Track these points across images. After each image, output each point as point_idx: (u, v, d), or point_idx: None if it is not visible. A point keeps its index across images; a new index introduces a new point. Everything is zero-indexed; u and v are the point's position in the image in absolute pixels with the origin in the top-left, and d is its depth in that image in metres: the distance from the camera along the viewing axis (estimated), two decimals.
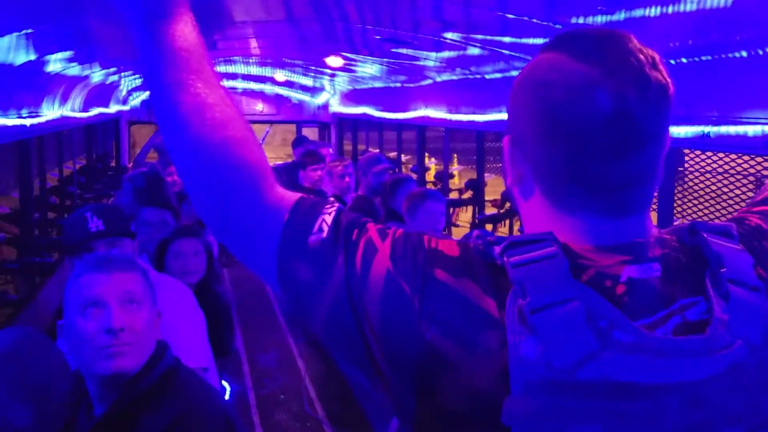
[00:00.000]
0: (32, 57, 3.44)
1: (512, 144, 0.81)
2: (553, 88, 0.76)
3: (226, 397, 2.80)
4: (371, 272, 0.75)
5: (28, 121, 3.94)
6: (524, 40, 3.25)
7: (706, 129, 2.50)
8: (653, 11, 2.31)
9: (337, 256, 0.77)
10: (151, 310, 1.53)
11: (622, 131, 0.74)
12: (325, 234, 0.78)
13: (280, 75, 8.01)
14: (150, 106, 9.60)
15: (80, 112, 5.74)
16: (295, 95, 9.74)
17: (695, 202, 3.39)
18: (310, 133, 10.03)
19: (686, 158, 3.43)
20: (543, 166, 0.78)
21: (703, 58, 2.36)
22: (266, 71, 7.74)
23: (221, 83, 0.86)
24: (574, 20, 2.68)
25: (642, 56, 0.75)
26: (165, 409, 1.46)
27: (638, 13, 2.38)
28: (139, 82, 8.39)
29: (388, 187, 3.90)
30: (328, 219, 0.79)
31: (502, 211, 5.38)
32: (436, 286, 0.74)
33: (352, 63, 5.59)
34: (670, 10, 2.21)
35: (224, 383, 2.78)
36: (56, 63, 4.06)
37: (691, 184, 3.45)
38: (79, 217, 2.07)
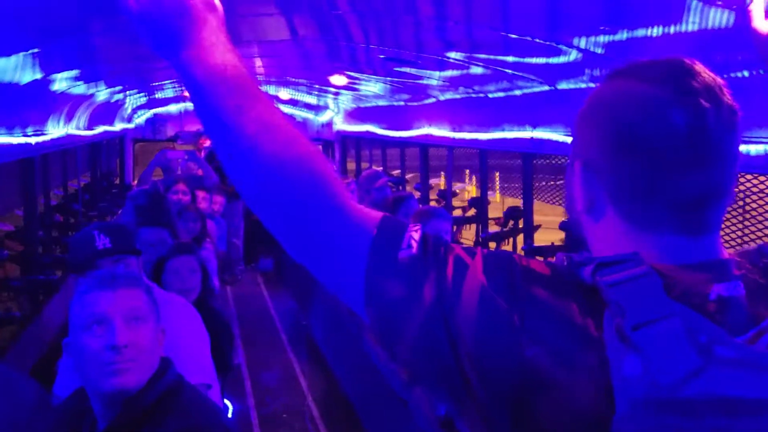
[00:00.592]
0: (38, 76, 3.47)
1: (584, 167, 0.82)
2: (628, 108, 0.78)
3: (229, 415, 2.79)
4: (464, 288, 0.74)
5: (33, 139, 3.96)
6: (527, 60, 3.27)
7: None
8: (655, 31, 2.32)
9: (429, 272, 0.75)
10: (155, 327, 1.54)
11: (700, 146, 0.75)
12: (414, 250, 0.77)
13: (285, 93, 8.05)
14: (155, 124, 9.67)
15: (85, 130, 5.77)
16: (300, 113, 9.78)
17: None
18: None
19: None
20: (620, 186, 0.79)
21: None
22: (271, 89, 7.79)
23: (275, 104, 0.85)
24: (576, 40, 2.70)
25: (710, 77, 0.77)
26: (167, 426, 1.46)
27: (640, 32, 2.40)
28: (144, 100, 8.45)
29: (389, 205, 3.91)
30: (416, 236, 0.78)
31: (505, 229, 5.37)
32: (537, 304, 0.73)
33: (356, 82, 5.63)
34: (672, 29, 2.22)
35: (227, 402, 2.77)
36: (62, 82, 4.09)
37: None
38: (86, 235, 2.10)
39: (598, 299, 0.72)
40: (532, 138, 3.90)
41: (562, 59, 3.03)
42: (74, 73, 4.04)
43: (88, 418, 1.52)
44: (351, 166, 9.83)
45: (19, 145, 3.72)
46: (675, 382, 0.67)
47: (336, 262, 0.80)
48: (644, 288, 0.71)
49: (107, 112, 6.74)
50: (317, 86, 6.96)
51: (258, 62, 5.26)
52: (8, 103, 3.47)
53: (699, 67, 0.78)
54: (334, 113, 9.44)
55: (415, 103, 5.92)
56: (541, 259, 0.81)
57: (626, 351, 0.69)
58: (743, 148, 2.49)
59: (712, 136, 0.76)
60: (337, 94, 7.32)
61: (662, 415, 0.67)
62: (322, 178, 0.80)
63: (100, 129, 6.58)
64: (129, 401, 1.45)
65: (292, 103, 8.99)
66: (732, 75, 2.25)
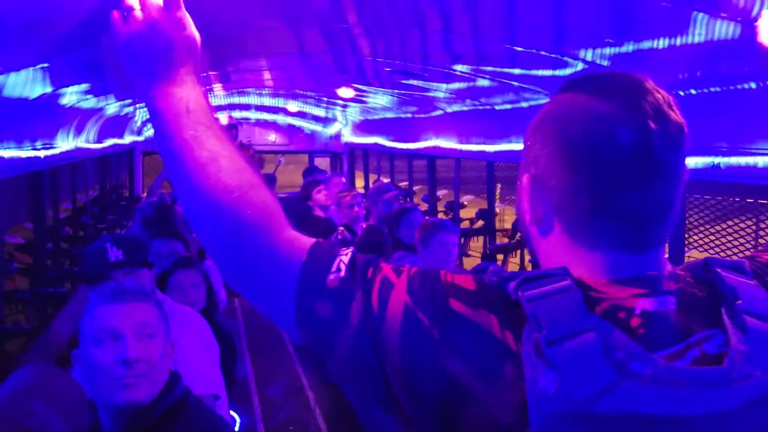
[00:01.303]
0: (47, 90, 3.50)
1: (532, 182, 0.82)
2: (575, 125, 0.79)
3: (236, 429, 2.79)
4: (389, 306, 0.76)
5: (42, 153, 3.99)
6: (533, 72, 3.28)
7: (716, 160, 2.50)
8: (661, 43, 2.32)
9: (355, 293, 0.78)
10: (165, 340, 1.56)
11: (645, 162, 0.76)
12: (343, 273, 0.79)
13: (293, 106, 8.09)
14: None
15: (94, 143, 5.81)
16: (308, 125, 9.82)
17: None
18: (323, 162, 10.10)
19: None
20: (565, 201, 0.80)
21: (712, 89, 2.36)
22: (279, 102, 7.82)
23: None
24: (582, 53, 2.70)
25: (659, 95, 0.78)
26: None
27: (646, 45, 2.40)
28: None
29: (393, 217, 3.91)
30: (345, 259, 0.81)
31: (513, 241, 5.36)
32: (455, 318, 0.75)
33: (364, 94, 5.65)
34: (678, 41, 2.22)
35: (234, 414, 2.77)
36: (71, 96, 4.12)
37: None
38: (99, 247, 2.12)
39: (519, 314, 0.73)
40: None
41: (567, 71, 3.03)
42: (84, 87, 4.08)
43: (96, 429, 1.53)
44: (359, 177, 9.85)
45: (29, 158, 3.75)
46: (589, 397, 0.67)
47: (268, 289, 0.83)
48: (563, 303, 0.72)
49: (117, 125, 6.78)
50: (325, 99, 6.99)
51: (267, 75, 5.29)
52: (18, 118, 3.50)
53: (649, 84, 0.79)
54: (342, 125, 9.47)
55: (422, 115, 5.93)
56: (471, 275, 0.82)
57: (542, 366, 0.69)
58: (750, 160, 2.47)
59: (658, 154, 0.76)
60: (345, 106, 7.35)
61: (574, 429, 0.67)
62: (261, 208, 0.84)
63: (109, 142, 6.62)
64: (138, 414, 1.46)
65: (301, 115, 9.03)
66: (738, 87, 2.25)
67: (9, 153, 3.36)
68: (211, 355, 2.26)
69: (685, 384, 0.69)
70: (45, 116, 4.03)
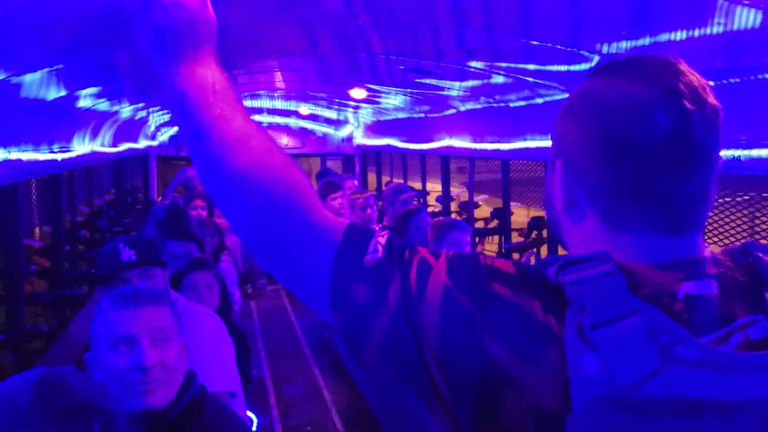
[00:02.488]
0: (63, 93, 3.52)
1: (565, 167, 0.81)
2: (612, 110, 0.77)
3: (254, 428, 2.79)
4: (428, 288, 0.75)
5: (59, 156, 4.02)
6: (548, 67, 3.26)
7: (737, 152, 2.47)
8: (679, 35, 2.30)
9: (393, 274, 0.76)
10: (179, 342, 1.54)
11: (683, 147, 0.75)
12: (380, 254, 0.78)
13: (305, 108, 8.10)
14: (179, 141, 9.78)
15: (110, 147, 5.85)
16: (320, 128, 9.84)
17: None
18: (334, 165, 10.12)
19: None
20: (601, 187, 0.78)
21: (732, 80, 2.33)
22: (291, 105, 7.84)
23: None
24: (598, 46, 2.68)
25: (694, 78, 0.78)
26: None
27: (663, 37, 2.38)
28: (167, 117, 8.54)
29: (401, 219, 3.91)
30: (382, 240, 0.80)
31: (529, 239, 5.33)
32: (498, 301, 0.73)
33: (376, 94, 5.65)
34: (696, 33, 2.20)
35: (251, 414, 2.76)
36: (86, 99, 4.15)
37: None
38: (112, 248, 2.13)
39: (561, 297, 0.72)
40: None
41: (583, 66, 3.01)
42: (98, 89, 4.10)
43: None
44: (372, 179, 9.85)
45: (46, 161, 3.77)
46: (634, 381, 0.67)
47: (302, 268, 0.81)
48: (606, 286, 0.71)
49: (131, 129, 6.83)
50: (337, 100, 7.00)
51: (278, 77, 5.30)
52: (35, 120, 3.53)
53: (684, 66, 0.78)
54: (354, 127, 9.48)
55: (435, 115, 5.92)
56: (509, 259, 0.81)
57: (585, 349, 0.68)
58: None
59: (696, 137, 0.76)
60: (357, 108, 7.35)
61: (618, 413, 0.66)
62: (293, 186, 0.83)
63: (124, 146, 6.67)
64: (155, 418, 1.45)
65: (312, 118, 9.05)
66: (759, 77, 2.22)
67: (27, 156, 3.38)
68: (226, 353, 2.25)
69: (731, 368, 0.68)
70: (61, 119, 4.06)
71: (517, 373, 0.70)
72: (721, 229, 3.13)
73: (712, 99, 0.78)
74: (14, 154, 3.10)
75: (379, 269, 0.77)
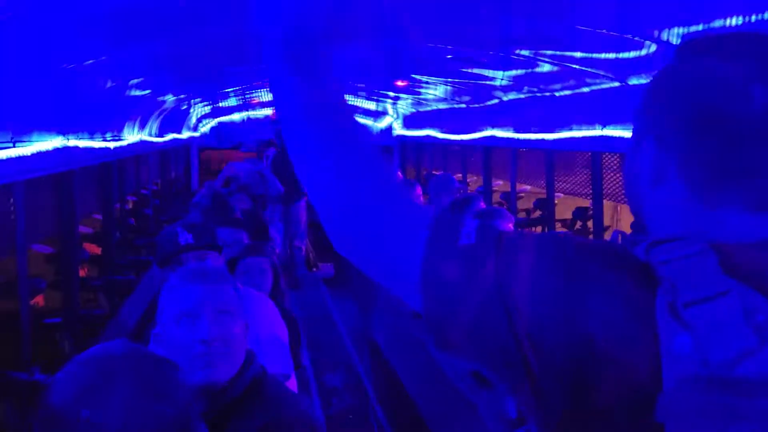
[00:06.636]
0: (114, 83, 3.61)
1: (657, 143, 0.81)
2: (706, 84, 0.77)
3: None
4: (519, 267, 0.76)
5: (111, 144, 4.12)
6: (596, 55, 3.23)
7: None
8: (734, 21, 2.26)
9: (486, 255, 0.77)
10: (241, 321, 1.57)
11: None
12: (473, 237, 0.79)
13: None
14: (220, 133, 9.89)
15: (156, 137, 5.97)
16: (359, 120, 9.86)
17: None
18: None
19: None
20: (694, 162, 0.78)
21: None
22: None
23: None
24: (650, 32, 2.65)
25: None
26: (254, 416, 1.49)
27: (718, 23, 2.34)
28: (208, 109, 8.65)
29: (456, 205, 3.90)
30: (473, 224, 0.81)
31: (572, 230, 5.29)
32: (592, 279, 0.74)
33: (418, 85, 5.65)
34: (753, 18, 2.16)
35: None
36: (135, 89, 4.24)
37: None
38: (170, 231, 2.25)
39: (651, 276, 0.72)
40: (602, 136, 3.84)
41: (633, 54, 2.98)
42: (144, 80, 4.19)
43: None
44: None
45: (100, 149, 3.87)
46: (728, 361, 0.66)
47: (391, 250, 0.82)
48: (698, 265, 0.70)
49: (175, 120, 6.96)
50: (376, 91, 7.02)
51: None
52: (89, 108, 3.62)
53: None
54: (393, 119, 9.49)
55: (476, 105, 5.90)
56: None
57: (678, 328, 0.68)
58: None
59: None
60: (396, 99, 7.36)
61: (711, 393, 0.66)
62: (384, 169, 0.85)
63: (169, 136, 6.80)
64: (218, 393, 1.48)
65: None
66: None
67: (83, 143, 3.48)
68: (279, 335, 2.31)
69: None
70: (113, 108, 4.16)
71: (609, 351, 0.70)
72: None
73: None
74: (72, 141, 3.20)
75: (473, 249, 0.78)
